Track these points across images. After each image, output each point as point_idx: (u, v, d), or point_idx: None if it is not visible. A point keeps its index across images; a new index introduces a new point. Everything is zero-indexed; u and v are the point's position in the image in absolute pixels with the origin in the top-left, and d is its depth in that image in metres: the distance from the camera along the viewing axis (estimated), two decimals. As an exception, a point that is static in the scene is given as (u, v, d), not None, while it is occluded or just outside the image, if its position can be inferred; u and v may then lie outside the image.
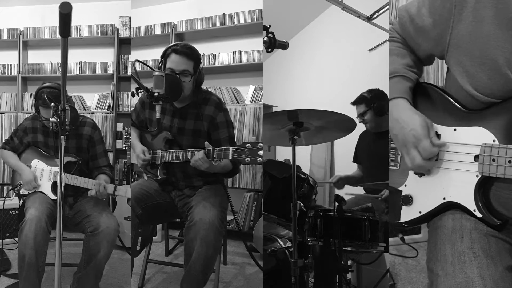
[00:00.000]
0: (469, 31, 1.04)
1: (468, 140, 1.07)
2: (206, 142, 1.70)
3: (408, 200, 1.19)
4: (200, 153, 1.70)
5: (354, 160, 2.72)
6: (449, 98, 1.14)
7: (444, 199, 1.11)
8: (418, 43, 1.21)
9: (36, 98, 2.06)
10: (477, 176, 1.04)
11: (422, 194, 1.17)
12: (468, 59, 1.05)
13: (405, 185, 1.21)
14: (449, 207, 1.11)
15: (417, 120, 1.11)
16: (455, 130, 1.11)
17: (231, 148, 1.62)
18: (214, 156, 1.67)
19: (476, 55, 1.03)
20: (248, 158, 1.56)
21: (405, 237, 2.58)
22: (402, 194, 1.20)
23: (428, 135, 1.09)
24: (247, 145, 1.56)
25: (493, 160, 1.00)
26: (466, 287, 0.97)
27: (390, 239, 1.85)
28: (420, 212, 1.16)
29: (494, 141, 1.02)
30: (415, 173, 1.19)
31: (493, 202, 1.04)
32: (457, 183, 1.08)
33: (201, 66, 1.93)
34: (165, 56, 1.87)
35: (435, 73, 2.83)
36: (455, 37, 1.07)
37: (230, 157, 1.62)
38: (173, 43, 1.89)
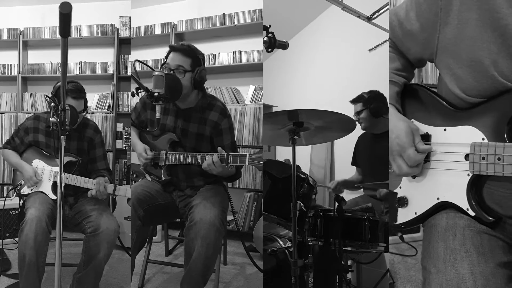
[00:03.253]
0: (455, 34, 1.04)
1: (458, 140, 1.08)
2: (219, 148, 1.74)
3: (403, 202, 1.20)
4: (214, 157, 1.72)
5: (353, 163, 2.72)
6: (438, 98, 1.15)
7: (438, 199, 1.12)
8: (408, 47, 1.22)
9: (56, 95, 1.96)
10: (468, 175, 1.05)
11: (417, 196, 1.18)
12: (455, 62, 1.06)
13: (400, 187, 1.22)
14: (443, 206, 1.12)
15: (402, 127, 1.12)
16: (445, 130, 1.12)
17: (247, 154, 1.66)
18: (229, 161, 1.69)
19: (463, 57, 1.04)
20: None
21: (404, 236, 2.58)
22: (398, 196, 1.22)
23: (412, 143, 1.10)
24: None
25: (483, 158, 1.00)
26: (457, 283, 0.99)
27: (389, 238, 1.85)
28: (415, 213, 1.18)
29: (483, 139, 1.03)
30: None
31: (487, 200, 1.05)
32: (449, 183, 1.09)
33: (203, 66, 1.93)
34: (167, 56, 1.89)
35: (432, 72, 2.84)
36: (442, 40, 1.08)
37: (247, 164, 1.66)
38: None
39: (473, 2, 1.01)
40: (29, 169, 2.05)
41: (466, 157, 1.05)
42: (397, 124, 1.13)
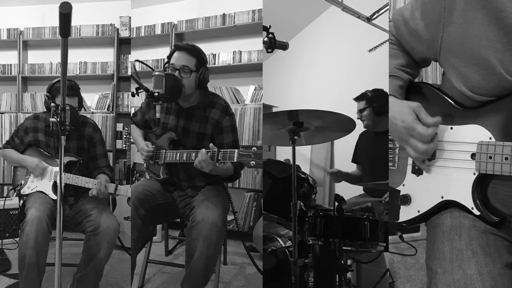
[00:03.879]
0: (459, 33, 1.04)
1: (465, 138, 1.07)
2: (211, 144, 1.71)
3: (406, 199, 1.19)
4: (203, 154, 1.70)
5: (353, 161, 2.72)
6: (445, 96, 1.14)
7: (442, 197, 1.12)
8: (413, 46, 1.22)
9: (49, 93, 2.01)
10: (474, 174, 1.04)
11: (420, 193, 1.17)
12: (461, 61, 1.06)
13: (403, 185, 1.22)
14: (448, 205, 1.11)
15: (404, 110, 1.11)
16: (451, 128, 1.11)
17: (236, 150, 1.64)
18: (219, 158, 1.67)
19: (468, 56, 1.04)
20: (253, 162, 1.58)
21: (404, 235, 2.58)
22: (401, 194, 1.21)
23: (417, 120, 1.09)
24: (253, 148, 1.58)
25: (490, 157, 1.00)
26: (464, 284, 0.98)
27: (389, 238, 1.85)
28: (418, 212, 1.17)
29: (490, 138, 1.02)
30: (413, 172, 1.20)
31: (491, 200, 1.05)
32: (454, 182, 1.09)
33: (206, 67, 1.93)
34: (170, 55, 1.90)
35: (433, 71, 2.84)
36: (446, 39, 1.08)
37: (235, 160, 1.63)
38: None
39: (478, 1, 1.01)
40: (32, 160, 2.05)
41: (473, 156, 1.05)
42: (398, 109, 1.13)
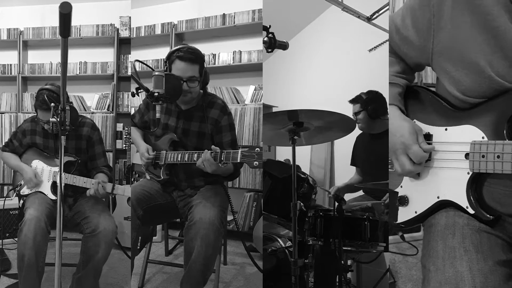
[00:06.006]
0: (449, 38, 1.07)
1: (459, 139, 1.09)
2: (216, 147, 1.72)
3: (404, 201, 1.21)
4: (207, 155, 1.71)
5: (352, 163, 2.72)
6: (439, 99, 1.16)
7: (438, 197, 1.13)
8: (405, 52, 1.24)
9: (36, 98, 2.05)
10: (468, 173, 1.06)
11: (417, 194, 1.19)
12: (452, 65, 1.08)
13: (401, 186, 1.23)
14: (444, 205, 1.13)
15: (406, 127, 1.13)
16: (446, 129, 1.13)
17: (239, 151, 1.64)
18: (222, 159, 1.68)
19: (459, 60, 1.06)
20: (257, 162, 1.59)
21: (405, 235, 2.58)
22: (398, 195, 1.22)
23: (416, 141, 1.12)
24: (256, 149, 1.59)
25: (483, 156, 1.02)
26: (455, 281, 0.99)
27: (390, 237, 1.85)
28: (416, 212, 1.18)
29: (483, 137, 1.04)
30: None
31: (486, 198, 1.06)
32: (450, 181, 1.10)
33: (205, 67, 1.93)
34: (169, 60, 1.87)
35: (432, 71, 2.84)
36: (437, 45, 1.10)
37: (239, 160, 1.64)
38: (177, 47, 1.87)
39: (464, 6, 1.03)
40: (29, 171, 2.05)
41: (467, 155, 1.06)
42: (401, 124, 1.15)
